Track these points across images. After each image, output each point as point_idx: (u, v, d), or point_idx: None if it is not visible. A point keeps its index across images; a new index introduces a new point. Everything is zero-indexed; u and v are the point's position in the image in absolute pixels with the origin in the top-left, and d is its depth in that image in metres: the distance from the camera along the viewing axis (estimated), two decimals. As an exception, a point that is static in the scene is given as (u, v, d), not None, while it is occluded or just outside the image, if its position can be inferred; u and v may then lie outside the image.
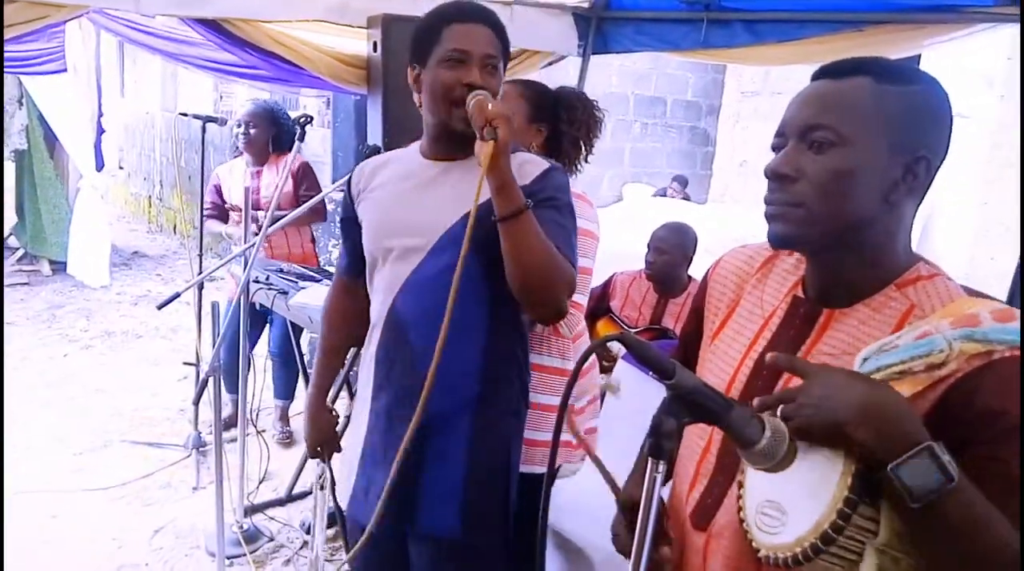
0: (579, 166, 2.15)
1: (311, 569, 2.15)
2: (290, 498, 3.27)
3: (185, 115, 3.71)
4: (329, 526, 2.93)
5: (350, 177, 1.71)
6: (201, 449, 3.51)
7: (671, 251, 2.95)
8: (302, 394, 3.75)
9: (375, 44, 2.93)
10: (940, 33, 2.79)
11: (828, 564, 0.81)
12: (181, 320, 5.54)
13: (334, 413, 1.83)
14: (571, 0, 3.50)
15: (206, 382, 2.43)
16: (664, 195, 7.44)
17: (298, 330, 3.43)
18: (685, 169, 8.41)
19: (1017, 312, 0.87)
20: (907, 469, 0.76)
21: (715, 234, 4.23)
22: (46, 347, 5.07)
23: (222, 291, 3.82)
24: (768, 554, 0.85)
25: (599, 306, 3.15)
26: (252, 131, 3.54)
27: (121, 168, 10.67)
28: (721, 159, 8.28)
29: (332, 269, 2.90)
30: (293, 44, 3.05)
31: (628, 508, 1.13)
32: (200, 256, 3.65)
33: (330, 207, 4.14)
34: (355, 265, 1.73)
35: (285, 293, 2.87)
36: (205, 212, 3.70)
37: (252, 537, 2.93)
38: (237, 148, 3.73)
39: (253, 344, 3.33)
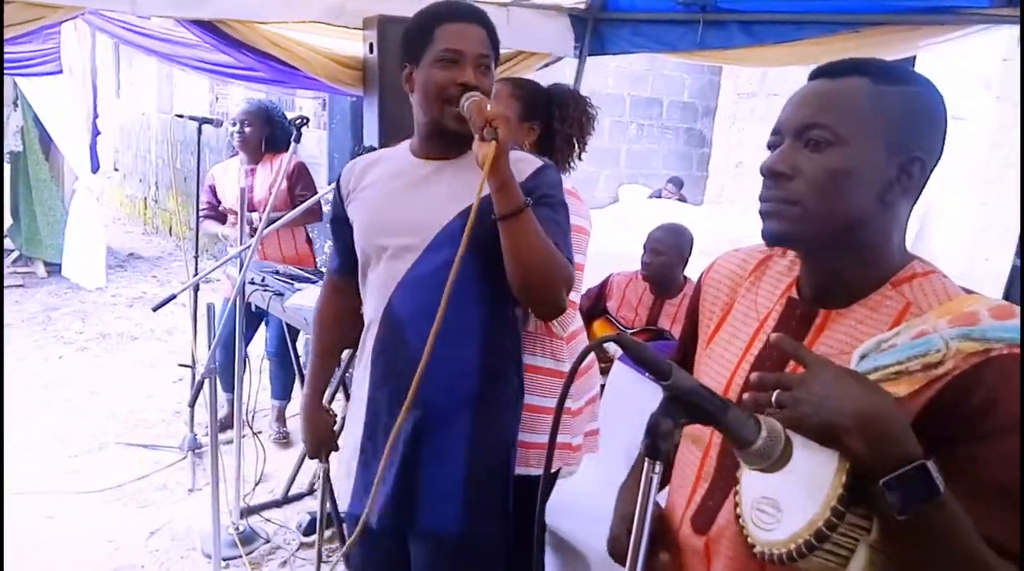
0: (573, 163, 2.15)
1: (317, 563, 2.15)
2: (286, 500, 3.27)
3: (181, 117, 3.69)
4: (327, 527, 2.93)
5: (339, 177, 1.71)
6: (197, 451, 3.50)
7: (667, 252, 2.95)
8: (299, 395, 3.75)
9: (371, 45, 2.93)
10: (936, 34, 2.79)
11: (823, 561, 0.81)
12: (177, 322, 5.53)
13: (331, 413, 1.84)
14: (567, 1, 3.50)
15: (202, 384, 2.42)
16: (660, 197, 7.45)
17: (294, 331, 3.43)
18: (681, 170, 8.42)
19: (1016, 309, 0.87)
20: (896, 485, 0.76)
21: (711, 235, 4.24)
22: (41, 349, 5.05)
23: (218, 293, 3.82)
24: (763, 550, 0.86)
25: (595, 307, 3.15)
26: (247, 130, 3.54)
27: (116, 170, 10.65)
28: (717, 160, 8.29)
29: (328, 270, 2.89)
30: (289, 45, 3.05)
31: (617, 553, 1.14)
32: (196, 258, 3.64)
33: (326, 209, 4.13)
34: (347, 264, 1.73)
35: (281, 294, 2.87)
36: (201, 213, 3.70)
37: (248, 539, 2.93)
38: (233, 148, 3.72)
39: (247, 344, 3.33)
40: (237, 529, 2.93)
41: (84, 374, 4.66)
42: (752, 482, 0.89)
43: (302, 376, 3.43)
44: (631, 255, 3.11)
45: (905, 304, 0.92)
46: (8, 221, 6.84)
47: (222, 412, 3.70)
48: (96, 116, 5.86)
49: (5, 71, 4.57)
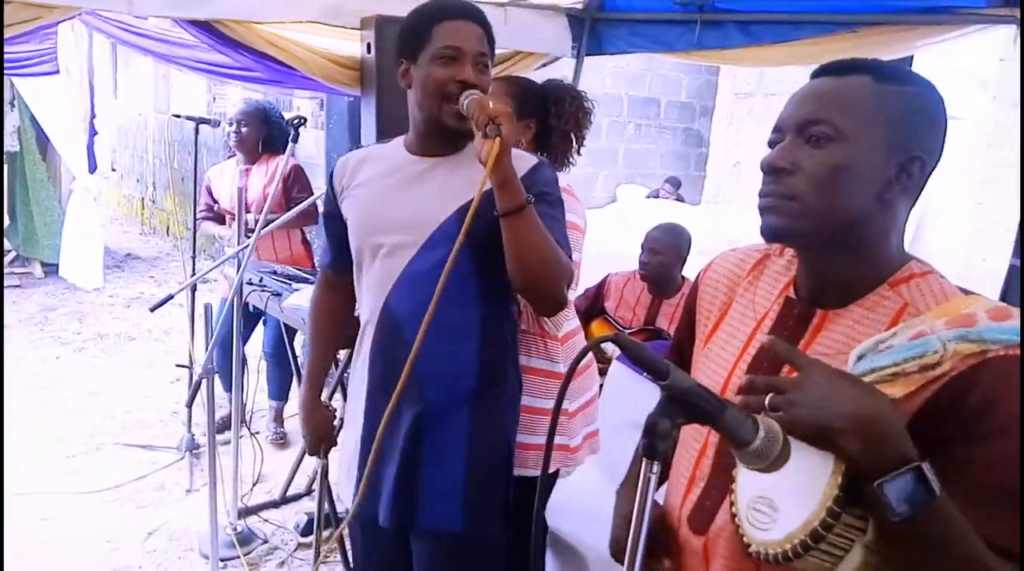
0: (571, 159, 2.13)
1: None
2: (284, 500, 3.27)
3: (178, 117, 3.69)
4: (325, 527, 2.92)
5: (331, 173, 1.70)
6: (195, 451, 3.50)
7: (665, 252, 2.95)
8: (296, 395, 3.74)
9: (368, 45, 2.92)
10: (933, 34, 2.79)
11: (818, 561, 0.81)
12: (174, 322, 5.53)
13: (330, 408, 1.84)
14: (565, 1, 3.50)
15: (199, 384, 2.42)
16: (657, 196, 7.46)
17: (292, 331, 3.42)
18: (679, 170, 8.42)
19: (1014, 310, 0.87)
20: (892, 486, 0.76)
21: (709, 235, 4.24)
22: (38, 350, 5.05)
23: (215, 293, 3.81)
24: (759, 550, 0.86)
25: (593, 307, 3.15)
26: (243, 130, 3.53)
27: (114, 170, 10.64)
28: (715, 160, 8.30)
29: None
30: (286, 45, 3.04)
31: (618, 553, 1.13)
32: (193, 258, 3.64)
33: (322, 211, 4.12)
34: (340, 261, 1.74)
35: (278, 295, 2.86)
36: (199, 214, 3.69)
37: (246, 539, 2.92)
38: (230, 149, 3.72)
39: (244, 343, 3.32)
40: (235, 529, 2.92)
41: (81, 375, 4.65)
42: (748, 482, 0.89)
43: (299, 376, 3.43)
44: (629, 255, 3.11)
45: (902, 304, 0.92)
46: (5, 221, 6.82)
47: (221, 412, 3.70)
48: (93, 116, 5.85)
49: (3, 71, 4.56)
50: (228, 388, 3.62)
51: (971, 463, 0.81)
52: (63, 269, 6.28)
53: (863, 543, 0.80)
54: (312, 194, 3.39)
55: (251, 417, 3.65)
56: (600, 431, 2.16)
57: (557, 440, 1.94)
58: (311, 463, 3.23)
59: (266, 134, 3.58)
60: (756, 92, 7.62)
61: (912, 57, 3.87)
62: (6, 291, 6.26)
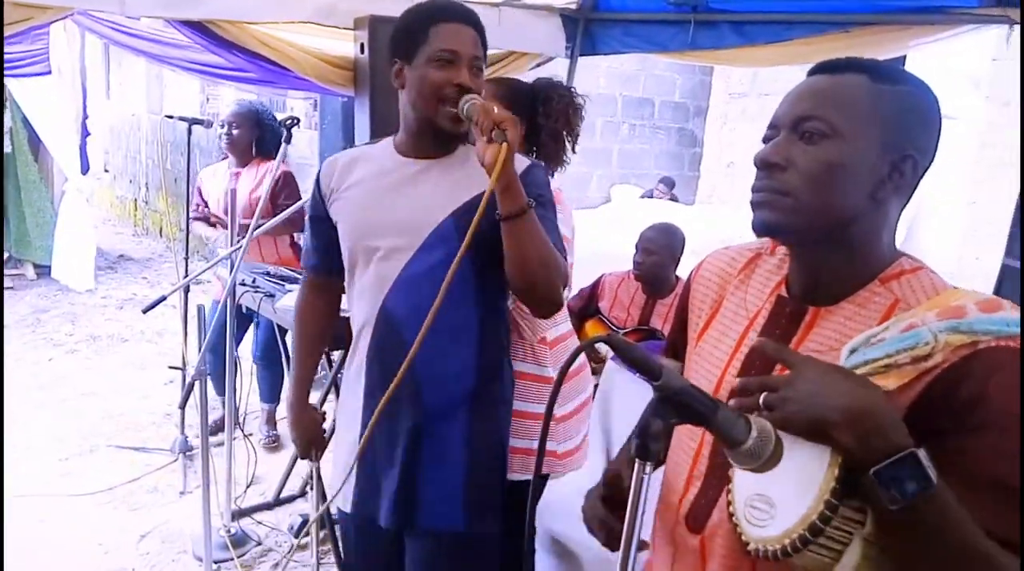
0: (565, 158, 2.11)
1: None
2: (278, 502, 3.26)
3: (171, 117, 3.68)
4: (319, 528, 2.92)
5: (319, 174, 1.69)
6: (188, 453, 3.49)
7: (659, 252, 2.96)
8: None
9: (362, 46, 2.92)
10: (926, 34, 2.80)
11: (816, 555, 0.81)
12: (167, 324, 5.51)
13: (317, 411, 1.84)
14: (559, 2, 3.50)
15: (192, 386, 2.41)
16: (651, 197, 7.46)
17: (284, 332, 3.41)
18: (673, 170, 8.43)
19: (1004, 302, 0.87)
20: (889, 475, 0.76)
21: (703, 235, 4.24)
22: (31, 352, 5.02)
23: (208, 294, 3.80)
24: (757, 547, 0.86)
25: (587, 307, 3.15)
26: (235, 132, 3.51)
27: (107, 171, 10.61)
28: (709, 160, 8.31)
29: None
30: (279, 46, 3.04)
31: (610, 481, 1.14)
32: (186, 259, 3.63)
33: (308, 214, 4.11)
34: (326, 264, 1.73)
35: (272, 296, 2.86)
36: (192, 214, 3.68)
37: (240, 541, 2.92)
38: (223, 150, 3.70)
39: (237, 345, 3.31)
40: (228, 531, 2.91)
41: (74, 376, 4.63)
42: (745, 479, 0.89)
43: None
44: (623, 255, 3.11)
45: (894, 300, 0.92)
46: None
47: (215, 415, 3.69)
48: (86, 117, 5.83)
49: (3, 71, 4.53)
50: (220, 391, 3.61)
51: (963, 454, 0.81)
52: (55, 270, 6.26)
53: (862, 536, 0.80)
54: (300, 200, 3.38)
55: (244, 419, 3.63)
56: (594, 431, 2.16)
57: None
58: (305, 464, 3.22)
59: (258, 136, 3.56)
60: (750, 92, 7.64)
61: (905, 57, 3.88)
62: (-2, 293, 6.24)
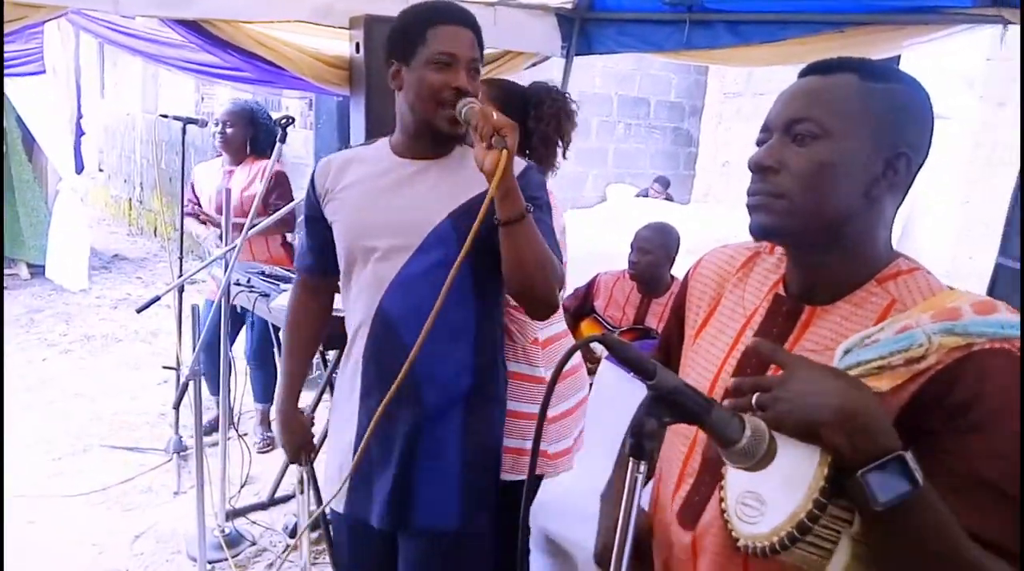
0: (556, 162, 2.10)
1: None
2: (272, 502, 3.25)
3: (166, 117, 3.66)
4: (312, 529, 2.91)
5: (313, 174, 1.69)
6: (182, 453, 3.48)
7: (654, 251, 2.96)
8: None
9: (357, 45, 2.91)
10: (920, 34, 2.81)
11: (805, 553, 0.82)
12: (161, 324, 5.50)
13: (307, 416, 1.84)
14: (554, 1, 3.50)
15: (186, 386, 2.40)
16: (647, 196, 7.47)
17: (278, 330, 3.40)
18: (668, 170, 8.44)
19: (999, 304, 0.87)
20: (875, 476, 0.76)
21: (698, 234, 4.25)
22: (25, 351, 5.01)
23: (203, 293, 3.79)
24: (747, 543, 0.86)
25: (583, 306, 3.16)
26: (229, 130, 3.50)
27: (101, 170, 10.57)
28: (704, 159, 8.32)
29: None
30: (275, 45, 3.03)
31: (605, 563, 1.13)
32: (180, 259, 3.61)
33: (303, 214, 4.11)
34: (321, 264, 1.73)
35: (267, 295, 2.85)
36: (185, 209, 3.66)
37: (234, 541, 2.91)
38: (216, 148, 3.69)
39: (230, 344, 3.31)
40: (223, 532, 2.91)
41: (68, 376, 4.62)
42: (737, 476, 0.90)
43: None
44: (618, 254, 3.11)
45: (890, 301, 0.92)
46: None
47: (209, 415, 3.68)
48: (80, 116, 5.80)
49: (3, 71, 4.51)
50: (214, 391, 3.60)
51: (954, 455, 0.82)
52: (49, 270, 6.23)
53: (850, 535, 0.81)
54: (292, 201, 3.37)
55: (239, 419, 3.63)
56: (589, 430, 2.15)
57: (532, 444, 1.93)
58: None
59: (252, 135, 3.55)
60: (745, 92, 7.65)
61: (899, 56, 3.89)
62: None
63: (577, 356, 2.10)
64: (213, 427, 3.62)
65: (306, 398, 3.26)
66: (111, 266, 7.62)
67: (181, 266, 3.62)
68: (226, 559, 2.81)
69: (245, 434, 3.42)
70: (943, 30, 2.75)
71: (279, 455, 3.54)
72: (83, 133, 5.85)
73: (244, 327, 3.68)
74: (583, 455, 2.12)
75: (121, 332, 5.53)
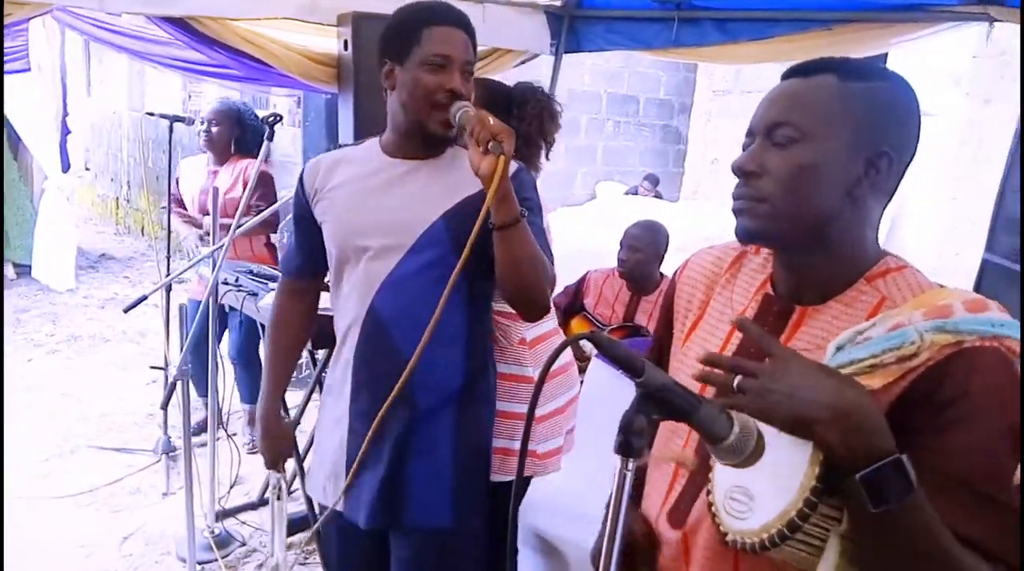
0: (539, 163, 2.08)
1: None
2: (262, 502, 3.23)
3: (152, 115, 3.64)
4: (301, 530, 2.91)
5: (302, 174, 1.68)
6: (171, 454, 3.46)
7: (644, 249, 2.96)
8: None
9: (345, 42, 2.90)
10: (907, 32, 2.82)
11: (793, 550, 0.82)
12: (149, 323, 5.46)
13: (290, 423, 1.84)
14: (543, -1, 3.50)
15: (174, 386, 2.39)
16: (636, 193, 7.48)
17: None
18: (657, 167, 8.45)
19: (990, 302, 0.88)
20: (871, 479, 0.76)
21: (687, 232, 4.26)
22: (11, 352, 4.97)
23: (187, 292, 3.76)
24: (735, 538, 0.86)
25: (573, 304, 3.16)
26: (214, 129, 3.48)
27: (88, 169, 10.50)
28: (693, 157, 8.34)
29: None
30: (262, 42, 3.01)
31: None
32: (168, 258, 3.59)
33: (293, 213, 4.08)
34: (311, 264, 1.72)
35: (255, 294, 2.83)
36: (173, 206, 3.64)
37: (224, 542, 2.90)
38: (202, 147, 3.67)
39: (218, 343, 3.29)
40: (212, 532, 2.89)
41: (55, 377, 4.58)
42: (725, 471, 0.90)
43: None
44: (608, 252, 3.11)
45: (880, 298, 0.93)
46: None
47: (198, 416, 3.65)
48: (66, 114, 5.75)
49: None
50: (202, 393, 3.58)
51: (936, 452, 0.82)
52: (36, 270, 6.17)
53: (838, 533, 0.81)
54: (275, 202, 3.35)
55: (228, 419, 3.61)
56: (580, 429, 2.15)
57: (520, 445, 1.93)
58: (289, 463, 3.20)
59: (238, 135, 3.52)
60: (733, 89, 7.67)
61: (886, 54, 3.91)
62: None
63: (567, 354, 2.10)
64: (202, 428, 3.60)
65: (293, 398, 3.26)
66: (98, 265, 7.58)
67: (169, 265, 3.60)
68: (216, 560, 2.79)
69: (234, 434, 3.40)
70: (930, 28, 2.77)
71: (268, 455, 3.53)
72: (69, 131, 5.80)
73: (228, 327, 3.66)
74: (574, 452, 2.12)
75: (108, 332, 5.49)
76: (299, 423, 2.94)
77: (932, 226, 5.75)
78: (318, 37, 3.10)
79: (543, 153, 2.07)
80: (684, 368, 1.09)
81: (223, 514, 3.05)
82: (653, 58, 5.10)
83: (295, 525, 2.97)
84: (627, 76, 8.26)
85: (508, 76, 2.40)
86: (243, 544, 2.95)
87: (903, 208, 5.58)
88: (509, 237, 1.43)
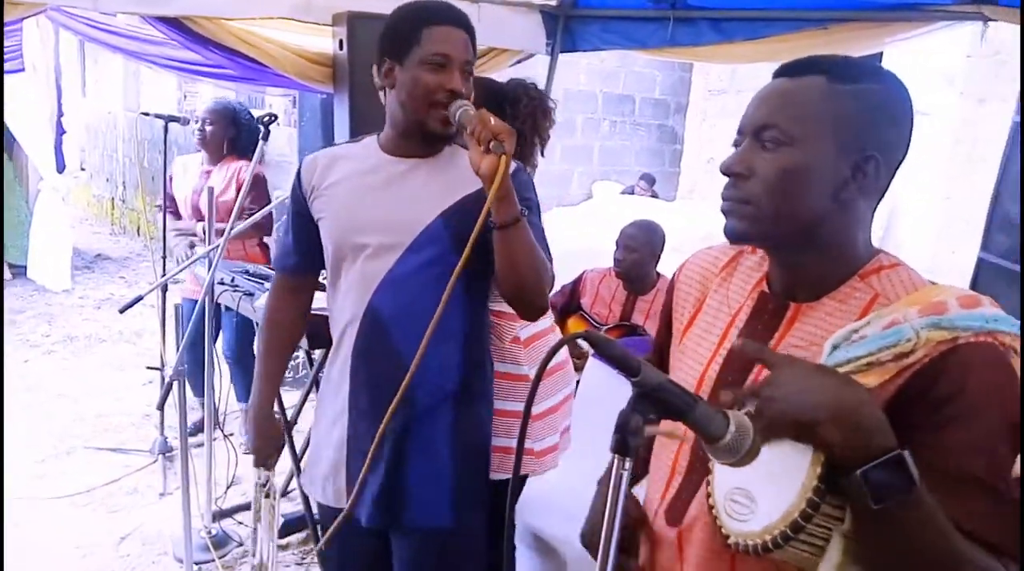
0: (534, 160, 2.07)
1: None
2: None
3: (147, 115, 3.63)
4: (299, 530, 2.91)
5: (299, 170, 1.68)
6: (167, 454, 3.45)
7: (640, 249, 2.97)
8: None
9: (341, 42, 2.90)
10: (901, 31, 2.83)
11: (796, 551, 0.82)
12: (145, 323, 5.45)
13: (281, 423, 1.84)
14: (538, -2, 3.50)
15: (171, 386, 2.39)
16: (632, 193, 7.49)
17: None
18: (653, 167, 8.46)
19: (983, 298, 0.88)
20: (874, 475, 0.76)
21: (683, 231, 4.27)
22: (7, 353, 4.95)
23: (182, 292, 3.75)
24: (737, 541, 0.86)
25: (569, 303, 3.16)
26: (208, 129, 3.46)
27: (83, 169, 10.47)
28: (689, 156, 8.35)
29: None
30: (257, 42, 3.01)
31: (590, 543, 1.14)
32: (164, 258, 3.58)
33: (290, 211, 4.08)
34: (307, 262, 1.72)
35: (251, 294, 2.83)
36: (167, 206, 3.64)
37: (221, 542, 2.89)
38: (196, 146, 3.66)
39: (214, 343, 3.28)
40: (209, 533, 2.89)
41: (51, 377, 4.58)
42: (725, 472, 0.90)
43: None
44: (604, 251, 3.12)
45: (873, 295, 0.93)
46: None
47: (195, 416, 3.65)
48: (61, 115, 5.75)
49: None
50: (198, 393, 3.57)
51: (935, 449, 0.82)
52: (31, 270, 6.15)
53: (841, 532, 0.81)
54: (268, 203, 3.34)
55: (224, 419, 3.61)
56: (577, 428, 2.16)
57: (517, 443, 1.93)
58: (286, 463, 3.20)
59: (233, 135, 3.51)
60: (729, 88, 7.68)
61: (881, 54, 3.92)
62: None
63: (564, 352, 2.10)
64: (198, 428, 3.59)
65: (289, 398, 3.25)
66: (94, 266, 7.56)
67: (164, 265, 3.59)
68: (213, 560, 2.79)
69: (231, 434, 3.40)
70: (925, 27, 2.78)
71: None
72: (64, 132, 5.79)
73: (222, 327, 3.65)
74: (570, 451, 2.12)
75: (104, 332, 5.48)
76: (296, 423, 2.94)
77: (927, 225, 5.77)
78: (313, 37, 3.10)
79: (538, 150, 2.07)
80: (681, 365, 1.09)
81: (220, 514, 3.05)
82: (649, 58, 5.11)
83: (292, 525, 2.97)
84: (623, 76, 8.27)
85: (503, 75, 2.39)
86: (240, 544, 2.94)
87: (897, 208, 5.60)
88: (509, 237, 1.43)
